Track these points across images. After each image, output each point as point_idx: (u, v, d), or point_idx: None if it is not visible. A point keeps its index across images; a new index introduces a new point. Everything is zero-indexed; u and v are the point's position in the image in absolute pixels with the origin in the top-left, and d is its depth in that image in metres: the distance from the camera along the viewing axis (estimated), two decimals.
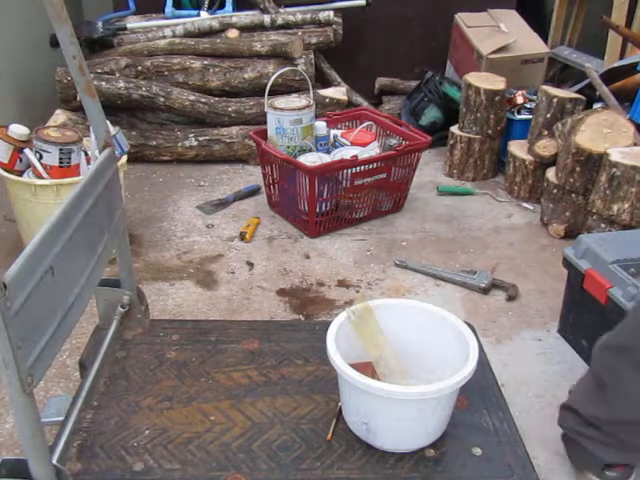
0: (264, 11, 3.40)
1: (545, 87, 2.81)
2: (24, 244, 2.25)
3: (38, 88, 3.34)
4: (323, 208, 2.54)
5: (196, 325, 1.72)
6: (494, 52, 3.31)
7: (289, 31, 3.41)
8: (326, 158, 2.55)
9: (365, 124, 2.83)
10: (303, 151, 2.59)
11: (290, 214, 2.66)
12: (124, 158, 2.33)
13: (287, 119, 2.56)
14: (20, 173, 2.21)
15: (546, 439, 1.62)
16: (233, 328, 1.68)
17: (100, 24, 3.36)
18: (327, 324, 1.37)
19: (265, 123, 2.66)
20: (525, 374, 1.85)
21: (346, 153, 2.55)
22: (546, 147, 2.74)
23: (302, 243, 2.53)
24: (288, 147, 2.60)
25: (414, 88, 3.51)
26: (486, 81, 2.98)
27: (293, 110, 2.57)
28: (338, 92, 3.31)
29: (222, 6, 3.48)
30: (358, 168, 2.50)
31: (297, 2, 3.48)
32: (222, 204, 2.81)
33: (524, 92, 3.10)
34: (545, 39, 3.62)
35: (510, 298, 2.20)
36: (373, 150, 2.63)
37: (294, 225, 2.64)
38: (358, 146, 2.64)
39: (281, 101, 2.64)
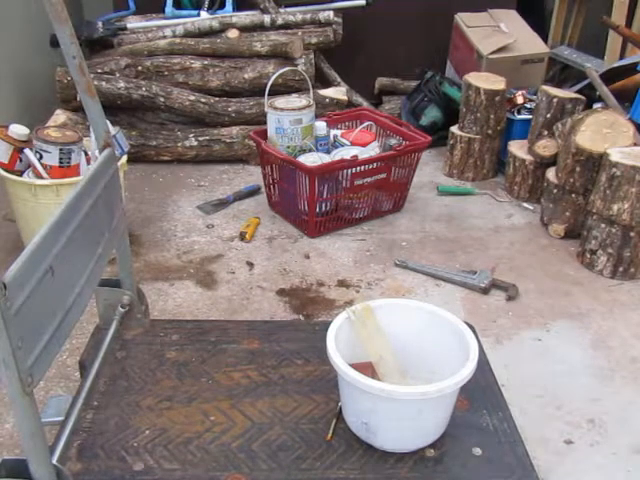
0: (264, 11, 3.40)
1: (545, 87, 2.81)
2: (24, 244, 2.25)
3: (38, 88, 3.34)
4: (323, 208, 2.54)
5: (196, 325, 1.71)
6: (494, 52, 3.31)
7: (289, 31, 3.41)
8: (326, 158, 2.55)
9: (365, 124, 2.83)
10: (303, 151, 2.59)
11: (290, 214, 2.66)
12: (124, 158, 2.33)
13: (287, 119, 2.56)
14: (20, 173, 2.20)
15: (546, 439, 1.62)
16: (233, 328, 1.68)
17: (100, 24, 3.36)
18: (327, 324, 1.37)
19: (265, 123, 2.66)
20: (525, 374, 1.85)
21: (346, 153, 2.55)
22: (546, 147, 2.74)
23: (302, 243, 2.53)
24: (288, 147, 2.60)
25: (414, 88, 3.51)
26: (486, 81, 2.98)
27: (293, 110, 2.56)
28: (338, 92, 3.31)
29: (222, 6, 3.48)
30: (358, 168, 2.50)
31: (297, 2, 3.48)
32: (222, 204, 2.81)
33: (524, 92, 3.10)
34: (545, 39, 3.62)
35: (510, 298, 2.20)
36: (373, 150, 2.63)
37: (294, 225, 2.64)
38: (358, 146, 2.64)
39: (281, 101, 2.64)
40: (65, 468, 1.15)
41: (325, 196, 2.51)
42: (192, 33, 3.33)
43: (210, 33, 3.34)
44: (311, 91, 2.79)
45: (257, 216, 2.70)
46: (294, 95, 2.94)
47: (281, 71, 2.73)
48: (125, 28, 3.39)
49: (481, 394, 1.45)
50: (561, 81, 3.59)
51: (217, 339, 1.62)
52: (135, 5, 3.57)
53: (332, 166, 2.47)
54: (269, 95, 2.62)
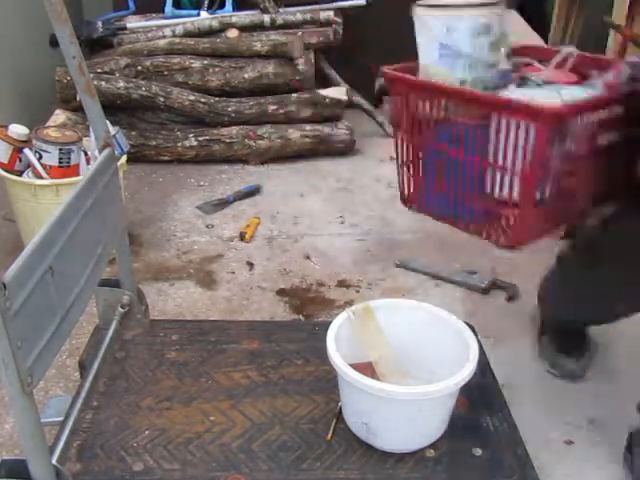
0: (264, 11, 3.40)
1: None
2: (24, 244, 2.25)
3: (38, 88, 3.33)
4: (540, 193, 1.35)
5: (196, 325, 1.71)
6: None
7: (289, 31, 3.40)
8: (554, 97, 1.31)
9: (562, 55, 1.62)
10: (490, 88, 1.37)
11: (448, 210, 1.58)
12: (124, 158, 2.33)
13: (465, 26, 1.33)
14: (20, 173, 2.20)
15: (546, 439, 1.62)
16: (233, 328, 1.68)
17: (100, 24, 3.36)
18: (327, 324, 1.36)
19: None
20: (525, 374, 1.85)
21: (550, 96, 1.32)
22: None
23: (302, 243, 2.53)
24: (462, 82, 1.38)
25: None
26: None
27: (475, 9, 1.34)
28: (338, 92, 3.31)
29: (222, 6, 3.48)
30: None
31: (297, 2, 3.47)
32: (222, 204, 2.81)
33: None
34: (545, 39, 3.62)
35: (510, 298, 2.20)
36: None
37: (464, 229, 1.60)
38: (564, 85, 1.45)
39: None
40: (65, 468, 1.15)
41: (551, 170, 1.30)
42: (192, 33, 3.32)
43: (210, 33, 3.34)
44: None
45: (257, 216, 2.70)
46: None
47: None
48: (125, 28, 3.39)
49: (481, 394, 1.45)
50: None
51: (217, 339, 1.62)
52: (135, 5, 3.57)
53: (589, 106, 1.29)
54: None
